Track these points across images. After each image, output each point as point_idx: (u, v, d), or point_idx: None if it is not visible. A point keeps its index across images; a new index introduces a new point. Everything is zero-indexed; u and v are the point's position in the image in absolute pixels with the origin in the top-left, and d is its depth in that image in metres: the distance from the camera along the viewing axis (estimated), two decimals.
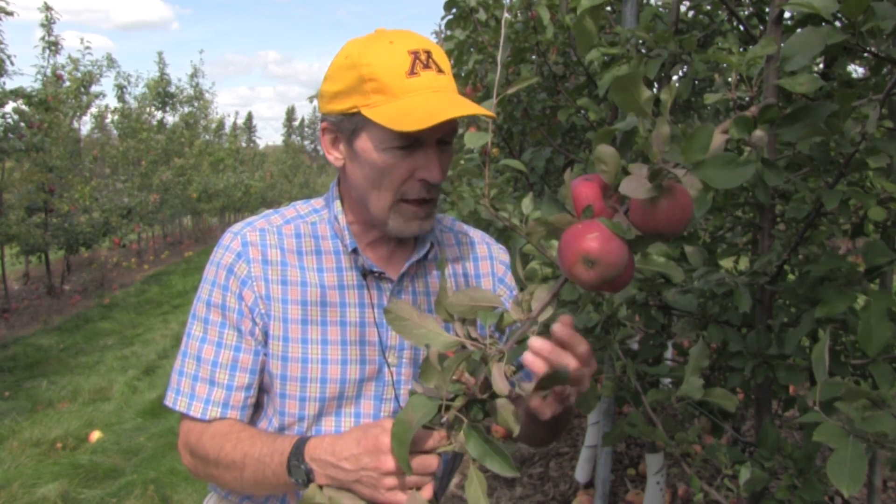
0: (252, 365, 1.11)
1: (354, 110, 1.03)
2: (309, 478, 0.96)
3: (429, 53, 1.04)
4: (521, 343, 0.86)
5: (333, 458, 0.94)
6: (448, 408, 0.85)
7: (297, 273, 1.13)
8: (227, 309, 1.11)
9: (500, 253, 1.31)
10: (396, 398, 1.15)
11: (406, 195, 1.07)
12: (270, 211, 1.20)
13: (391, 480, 0.90)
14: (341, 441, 0.95)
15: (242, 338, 1.11)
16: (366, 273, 1.14)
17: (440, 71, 1.04)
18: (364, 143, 1.05)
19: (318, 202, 1.22)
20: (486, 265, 1.28)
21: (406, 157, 1.04)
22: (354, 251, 1.13)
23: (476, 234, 1.31)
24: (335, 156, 1.11)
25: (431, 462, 0.90)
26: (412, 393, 0.86)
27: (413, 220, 1.09)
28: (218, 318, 1.11)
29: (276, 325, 1.11)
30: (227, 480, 1.08)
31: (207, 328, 1.11)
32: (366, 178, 1.07)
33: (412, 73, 1.02)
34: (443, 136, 1.06)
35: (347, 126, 1.06)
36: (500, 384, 0.81)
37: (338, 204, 1.16)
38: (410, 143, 1.03)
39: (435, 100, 1.01)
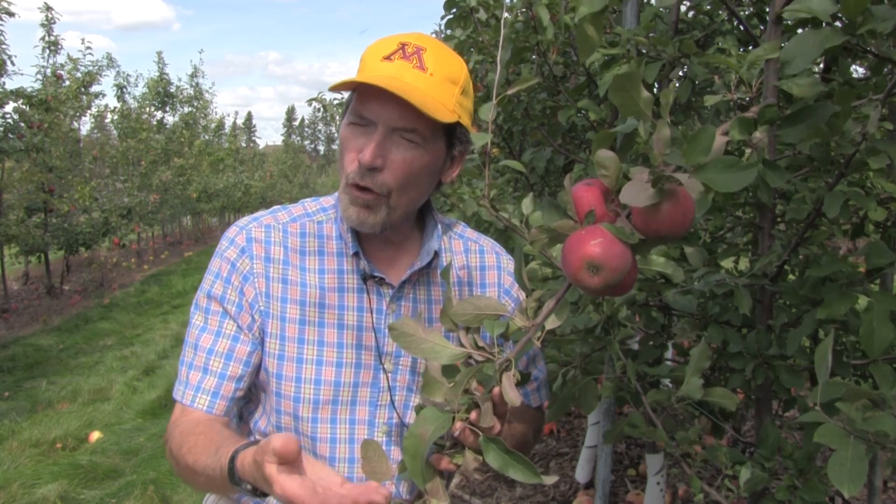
0: (247, 357, 1.11)
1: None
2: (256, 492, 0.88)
3: (420, 50, 1.02)
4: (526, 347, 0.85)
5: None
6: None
7: (298, 273, 1.12)
8: (227, 301, 1.11)
9: (510, 263, 1.26)
10: (392, 404, 1.14)
11: (349, 178, 1.05)
12: (279, 207, 1.20)
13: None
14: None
15: (241, 330, 1.11)
16: (366, 277, 1.13)
17: (422, 68, 1.02)
18: (343, 119, 1.08)
19: (327, 200, 1.21)
20: (493, 275, 1.24)
21: (358, 135, 1.04)
22: (356, 254, 1.12)
23: (486, 243, 1.27)
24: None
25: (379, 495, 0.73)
26: (419, 408, 0.84)
27: (351, 205, 1.05)
28: (218, 308, 1.12)
29: (273, 322, 1.11)
30: (197, 483, 1.03)
31: (208, 318, 1.12)
32: (338, 159, 1.10)
33: (387, 58, 1.02)
34: (398, 126, 1.02)
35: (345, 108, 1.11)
36: (510, 394, 0.80)
37: None
38: (361, 119, 1.03)
39: (386, 82, 0.98)
